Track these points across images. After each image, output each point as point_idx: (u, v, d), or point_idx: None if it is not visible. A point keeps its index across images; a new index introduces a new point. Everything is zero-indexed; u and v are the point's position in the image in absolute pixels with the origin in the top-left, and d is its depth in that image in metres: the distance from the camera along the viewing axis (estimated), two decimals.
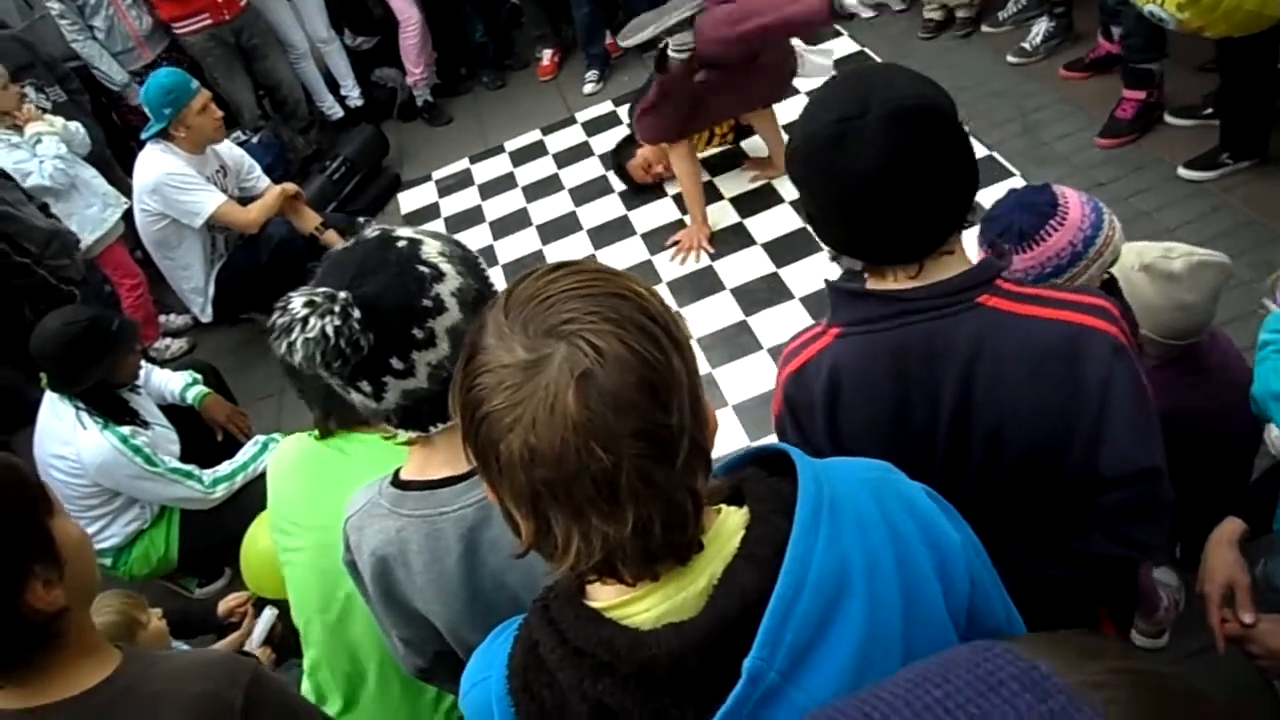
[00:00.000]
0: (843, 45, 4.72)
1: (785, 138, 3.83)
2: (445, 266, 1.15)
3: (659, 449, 0.74)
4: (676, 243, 3.94)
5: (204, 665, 1.23)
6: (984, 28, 4.50)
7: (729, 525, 0.84)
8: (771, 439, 1.29)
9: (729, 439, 2.98)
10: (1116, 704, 0.47)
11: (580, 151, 4.85)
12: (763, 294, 3.59)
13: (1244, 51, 2.91)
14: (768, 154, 4.09)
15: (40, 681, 1.12)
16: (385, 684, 1.80)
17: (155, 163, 3.84)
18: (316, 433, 1.81)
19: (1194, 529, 1.72)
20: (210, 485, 2.94)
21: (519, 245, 4.34)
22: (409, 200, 5.06)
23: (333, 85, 5.63)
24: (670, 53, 3.28)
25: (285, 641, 2.73)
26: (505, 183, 4.85)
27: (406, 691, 1.78)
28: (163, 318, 4.60)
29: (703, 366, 3.23)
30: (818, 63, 3.92)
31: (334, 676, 1.86)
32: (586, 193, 4.53)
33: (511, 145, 5.13)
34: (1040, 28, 4.19)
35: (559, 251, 4.22)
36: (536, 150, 5.01)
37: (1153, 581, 2.18)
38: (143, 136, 3.93)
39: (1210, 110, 3.40)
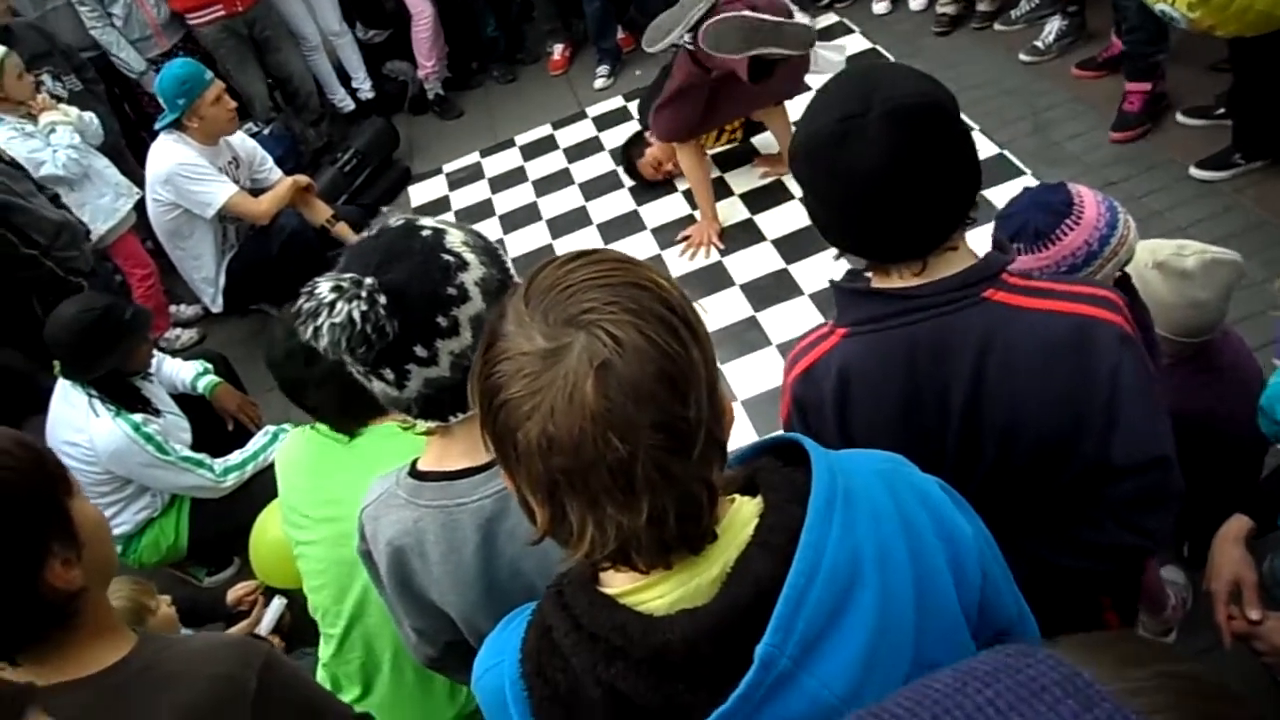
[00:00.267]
0: (855, 43, 4.71)
1: None
2: (469, 256, 1.16)
3: (676, 440, 0.74)
4: (687, 238, 3.95)
5: (219, 648, 1.24)
6: (997, 26, 4.49)
7: (743, 514, 0.84)
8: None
9: (738, 434, 2.97)
10: (1160, 711, 0.47)
11: (591, 146, 4.86)
12: (772, 290, 3.59)
13: (1257, 51, 2.90)
14: (778, 150, 4.09)
15: (57, 660, 1.13)
16: (399, 673, 1.81)
17: (168, 153, 3.86)
18: (317, 425, 1.82)
19: (1203, 527, 1.72)
20: (221, 474, 2.95)
21: (529, 239, 4.35)
22: (419, 193, 5.07)
23: (344, 78, 5.64)
24: (688, 46, 3.28)
25: (294, 631, 2.75)
26: (516, 176, 4.86)
27: (420, 680, 1.80)
28: (173, 308, 4.62)
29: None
30: (830, 59, 3.91)
31: (349, 666, 1.87)
32: (597, 187, 4.54)
33: (522, 139, 5.14)
34: (1053, 26, 4.18)
35: (569, 246, 4.22)
36: (547, 144, 5.02)
37: (1160, 580, 2.18)
38: (156, 127, 3.95)
39: (1222, 110, 3.39)
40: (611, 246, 4.08)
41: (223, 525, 3.01)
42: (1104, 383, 1.22)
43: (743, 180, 4.17)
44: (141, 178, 4.10)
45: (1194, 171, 3.32)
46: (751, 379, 3.22)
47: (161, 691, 1.14)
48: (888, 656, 0.80)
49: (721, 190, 4.11)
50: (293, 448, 1.90)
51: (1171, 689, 0.48)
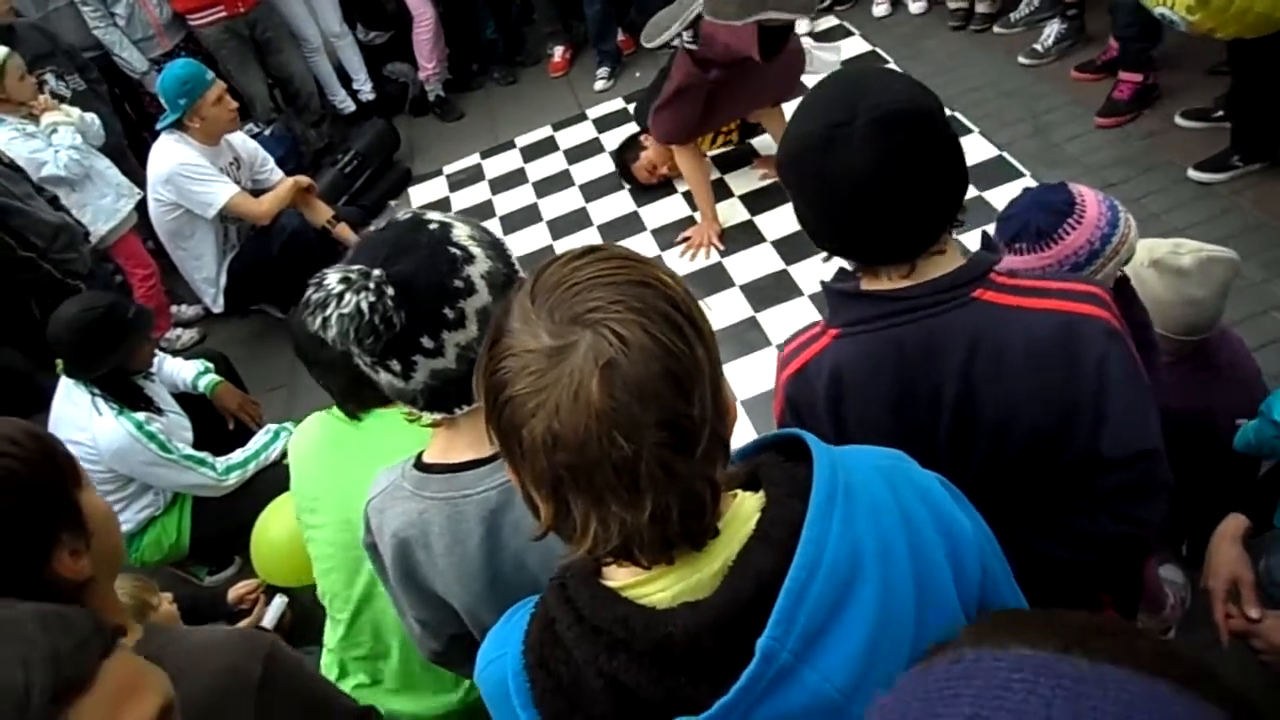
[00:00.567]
0: (854, 45, 4.73)
1: None
2: (475, 250, 1.17)
3: (680, 439, 0.75)
4: (687, 239, 3.95)
5: (224, 639, 1.25)
6: (996, 29, 4.50)
7: (745, 509, 0.85)
8: None
9: (738, 435, 2.96)
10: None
11: (591, 148, 4.87)
12: (771, 291, 3.60)
13: (1256, 53, 2.91)
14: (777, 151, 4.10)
15: None
16: (408, 658, 1.82)
17: (169, 153, 3.87)
18: (333, 410, 1.83)
19: (1201, 526, 1.73)
20: (223, 473, 2.95)
21: (529, 240, 4.35)
22: (420, 194, 5.07)
23: (345, 79, 5.65)
24: (687, 45, 3.29)
25: (295, 629, 2.75)
26: (516, 178, 4.87)
27: (428, 666, 1.80)
28: (174, 308, 4.62)
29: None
30: (826, 59, 3.92)
31: (358, 650, 1.88)
32: (597, 188, 4.55)
33: (522, 141, 5.15)
34: (1052, 29, 4.19)
35: (569, 247, 4.18)
36: (547, 146, 5.02)
37: (1159, 579, 2.19)
38: (158, 127, 3.96)
39: (1220, 113, 3.41)
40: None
41: (224, 524, 3.01)
42: (1091, 378, 1.24)
43: (742, 181, 4.18)
44: (143, 178, 4.11)
45: (1192, 174, 3.33)
46: (752, 379, 3.23)
47: None
48: (888, 650, 0.81)
49: (721, 191, 4.12)
50: (307, 432, 1.91)
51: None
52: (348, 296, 1.07)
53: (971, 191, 3.55)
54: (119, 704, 0.71)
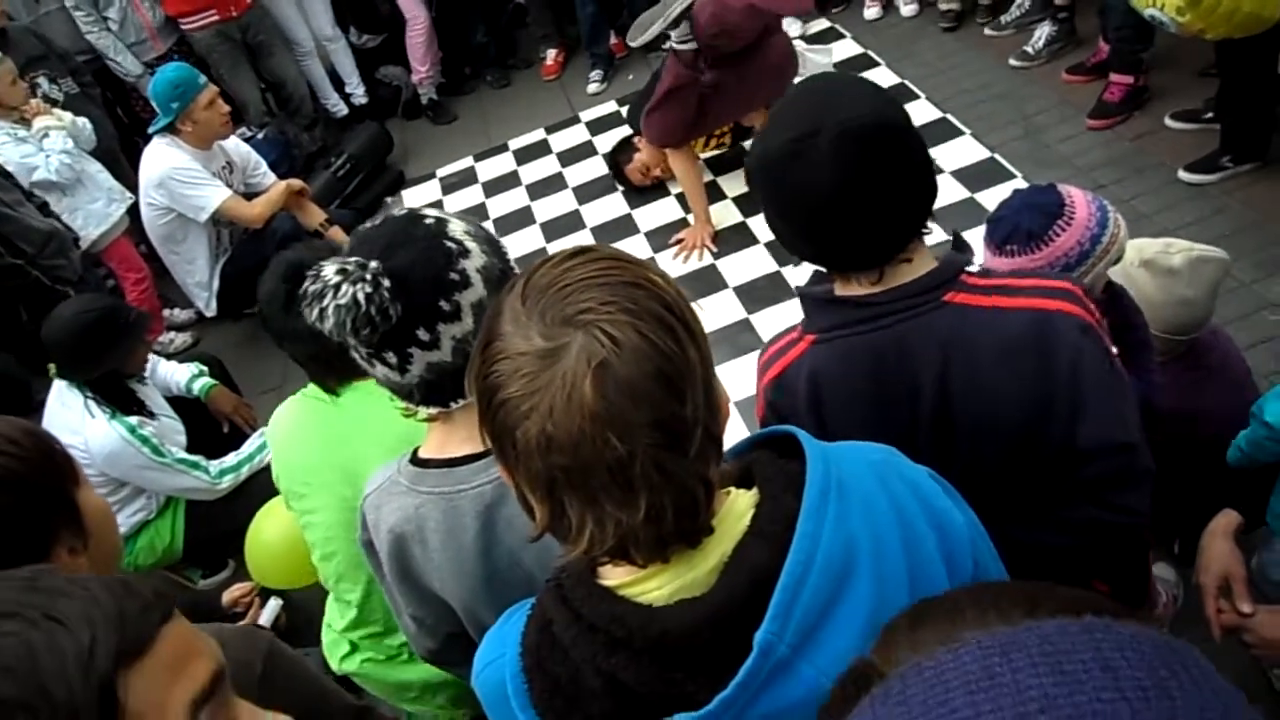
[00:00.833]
0: (846, 48, 4.75)
1: None
2: (471, 244, 1.18)
3: (673, 439, 0.75)
4: (680, 241, 3.96)
5: (224, 636, 1.24)
6: (987, 31, 4.53)
7: (739, 506, 0.86)
8: None
9: (731, 433, 2.97)
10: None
11: (584, 150, 4.87)
12: (765, 292, 3.61)
13: (1244, 54, 2.93)
14: None
15: None
16: None
17: (161, 157, 3.87)
18: (307, 391, 1.82)
19: (1193, 524, 1.74)
20: (217, 476, 2.95)
21: (522, 243, 4.35)
22: (413, 198, 5.07)
23: (338, 83, 5.65)
24: (675, 46, 3.30)
25: (290, 631, 2.75)
26: (509, 181, 4.87)
27: None
28: (167, 312, 4.62)
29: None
30: (818, 61, 3.94)
31: (369, 630, 1.87)
32: (590, 191, 4.55)
33: (515, 144, 5.15)
34: (1043, 32, 4.21)
35: (562, 249, 4.23)
36: (540, 149, 5.03)
37: (1151, 577, 2.20)
38: (149, 131, 3.95)
39: (1210, 114, 3.43)
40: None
41: (218, 527, 3.01)
42: (1066, 373, 1.25)
43: (735, 184, 4.18)
44: (135, 182, 4.10)
45: (1183, 175, 3.35)
46: (745, 380, 3.19)
47: None
48: None
49: (714, 194, 4.13)
50: (284, 417, 1.90)
51: None
52: (344, 287, 1.08)
53: (963, 193, 3.62)
54: (176, 669, 0.72)
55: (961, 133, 3.95)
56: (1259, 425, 1.65)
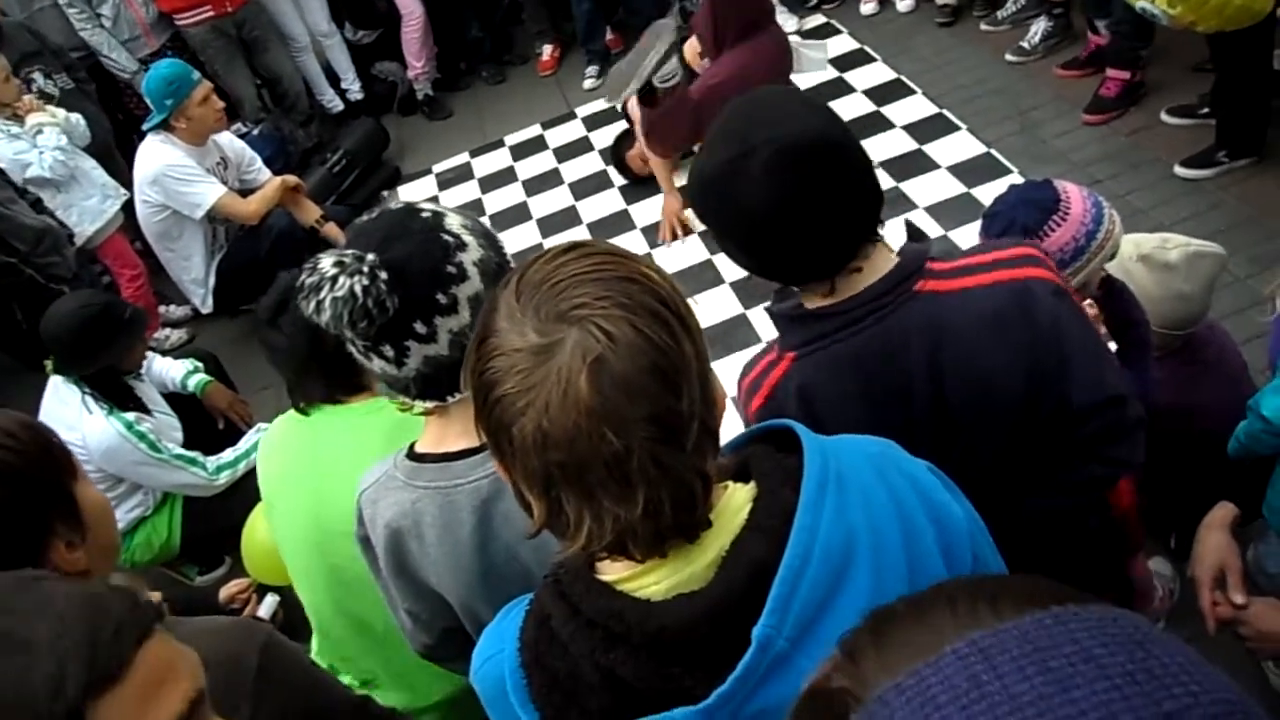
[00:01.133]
0: (841, 43, 4.75)
1: None
2: (467, 238, 1.18)
3: (670, 433, 0.75)
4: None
5: (221, 628, 1.25)
6: (983, 26, 4.53)
7: (736, 500, 0.86)
8: None
9: (727, 429, 2.98)
10: None
11: (580, 146, 4.87)
12: (762, 287, 3.59)
13: (1239, 48, 2.93)
14: None
15: None
16: (389, 660, 1.81)
17: (156, 154, 3.85)
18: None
19: (1189, 519, 1.74)
20: (214, 472, 2.95)
21: (519, 239, 4.35)
22: (409, 193, 5.06)
23: (333, 79, 5.63)
24: (657, 85, 3.34)
25: (287, 627, 2.74)
26: (505, 176, 4.87)
27: (420, 663, 1.79)
28: (162, 308, 4.61)
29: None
30: (813, 57, 3.94)
31: (343, 652, 1.87)
32: (586, 187, 4.55)
33: (511, 140, 5.15)
34: (1039, 27, 4.22)
35: None
36: (536, 145, 5.02)
37: (1148, 571, 2.21)
38: (144, 128, 3.94)
39: (1206, 110, 3.43)
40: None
41: (215, 523, 3.00)
42: (1050, 337, 1.27)
43: None
44: (130, 178, 4.09)
45: (1178, 170, 3.36)
46: None
47: None
48: None
49: None
50: (275, 434, 1.90)
51: None
52: (341, 280, 1.08)
53: (959, 188, 3.62)
54: (149, 696, 0.69)
55: (958, 128, 3.95)
56: (1255, 419, 1.65)
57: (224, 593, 2.74)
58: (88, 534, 1.14)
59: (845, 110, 4.28)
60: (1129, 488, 1.94)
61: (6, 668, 0.63)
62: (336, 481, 1.66)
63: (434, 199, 4.91)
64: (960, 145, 3.86)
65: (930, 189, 3.68)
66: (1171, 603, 2.25)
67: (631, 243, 4.07)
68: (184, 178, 3.86)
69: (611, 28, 5.44)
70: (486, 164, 5.03)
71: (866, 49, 4.65)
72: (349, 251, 1.10)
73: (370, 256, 1.10)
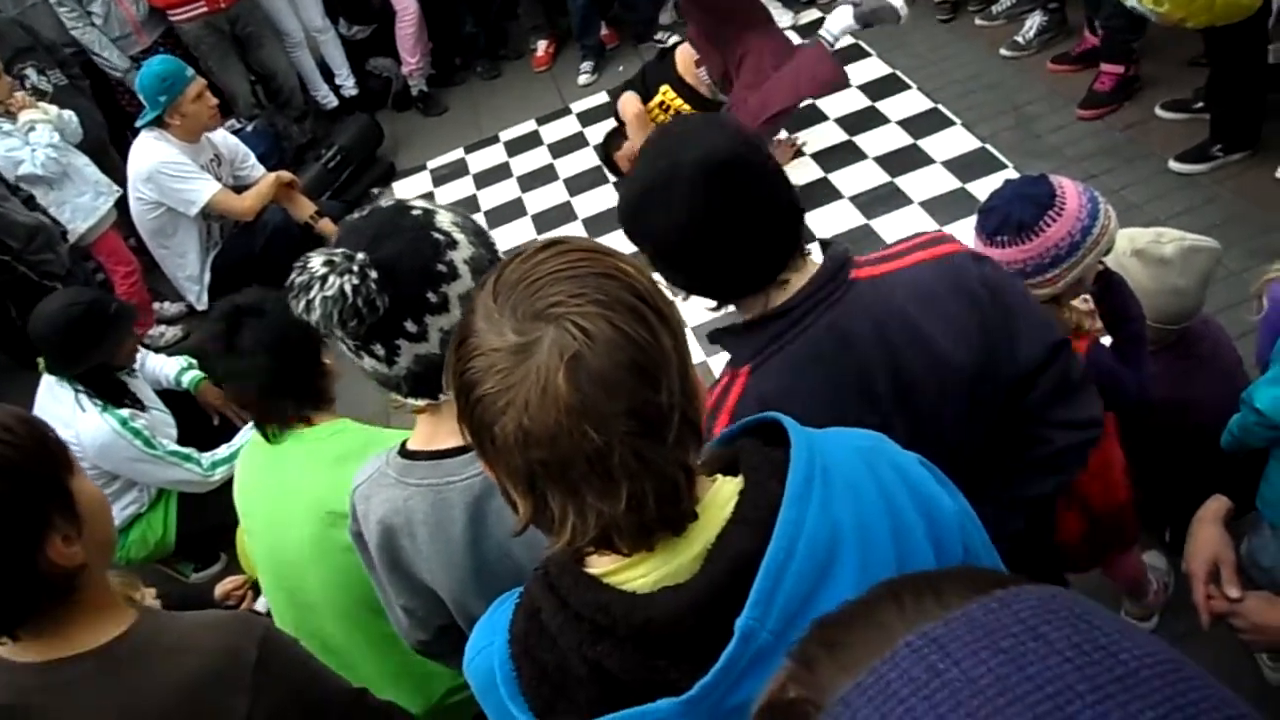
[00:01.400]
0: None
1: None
2: (458, 235, 1.18)
3: (650, 427, 0.75)
4: None
5: (218, 621, 1.25)
6: (978, 21, 4.53)
7: (723, 493, 0.85)
8: None
9: None
10: None
11: (575, 142, 4.86)
12: None
13: (1232, 43, 2.93)
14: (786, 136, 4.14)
15: (58, 636, 1.14)
16: (369, 675, 1.80)
17: (150, 151, 3.85)
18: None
19: (1183, 513, 1.74)
20: (209, 468, 2.94)
21: (514, 235, 4.35)
22: (404, 189, 5.06)
23: (327, 74, 5.62)
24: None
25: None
26: (500, 172, 4.86)
27: (397, 676, 1.78)
28: (156, 305, 4.60)
29: (696, 355, 3.25)
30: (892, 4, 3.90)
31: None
32: (581, 183, 4.55)
33: (506, 135, 5.14)
34: (1034, 22, 4.22)
35: None
36: (531, 140, 5.02)
37: (1142, 565, 2.21)
38: (137, 124, 3.93)
39: (1201, 104, 3.43)
40: (596, 240, 4.08)
41: (210, 520, 3.00)
42: (985, 299, 1.31)
43: None
44: (124, 175, 4.08)
45: (1173, 164, 3.36)
46: None
47: (162, 664, 1.15)
48: None
49: None
50: (249, 447, 1.90)
51: None
52: (331, 279, 1.08)
53: (954, 183, 3.62)
54: None
55: (952, 123, 3.95)
56: (1249, 411, 1.65)
57: (219, 589, 2.74)
58: (85, 528, 1.14)
59: (840, 105, 4.28)
60: (1125, 482, 1.94)
61: None
62: (286, 509, 1.68)
63: (429, 195, 4.90)
64: (955, 140, 3.86)
65: (925, 184, 3.67)
66: (1166, 596, 2.25)
67: (625, 239, 4.06)
68: (178, 175, 3.86)
69: (606, 23, 5.43)
70: (481, 160, 5.03)
71: (861, 44, 4.64)
72: (339, 250, 1.10)
73: (360, 255, 1.10)
